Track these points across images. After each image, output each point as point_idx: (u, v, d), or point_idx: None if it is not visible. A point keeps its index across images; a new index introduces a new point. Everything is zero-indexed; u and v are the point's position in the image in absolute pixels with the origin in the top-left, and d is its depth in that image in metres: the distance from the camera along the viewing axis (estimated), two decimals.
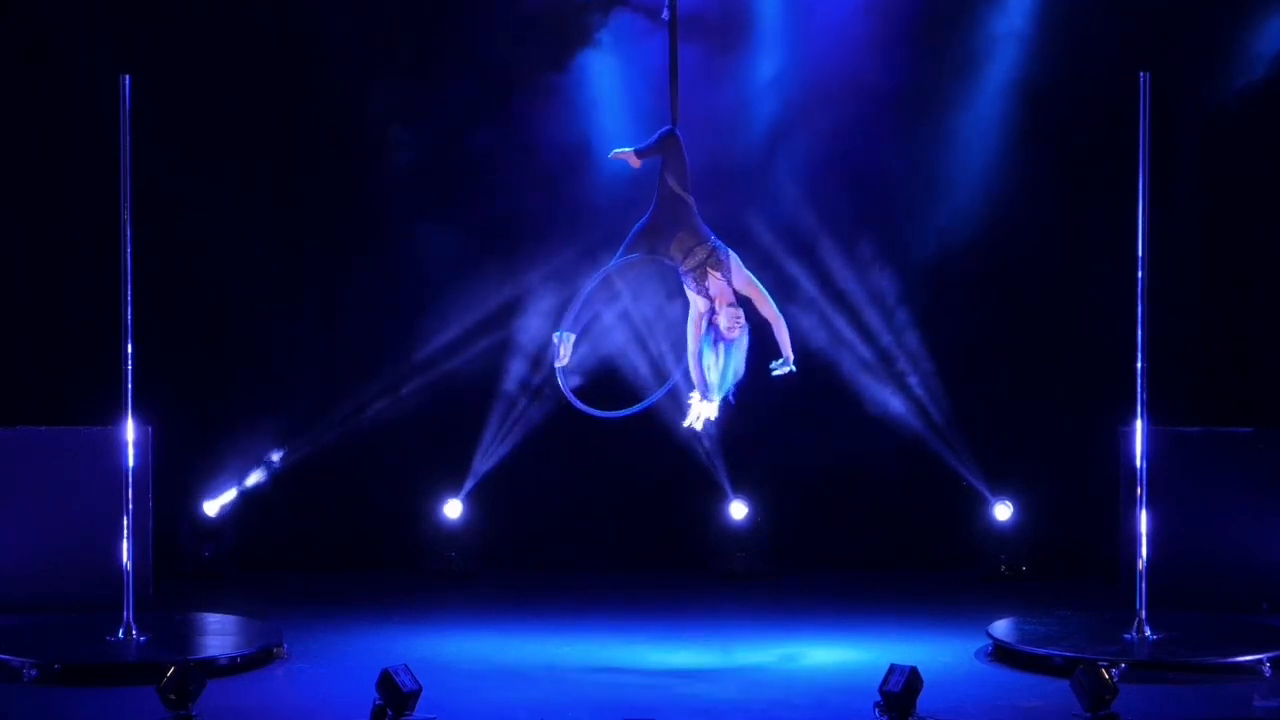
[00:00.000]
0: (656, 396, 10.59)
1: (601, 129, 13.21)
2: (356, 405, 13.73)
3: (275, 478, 13.71)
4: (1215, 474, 12.28)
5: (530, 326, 13.49)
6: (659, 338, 13.37)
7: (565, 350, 9.97)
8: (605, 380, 13.10)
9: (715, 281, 10.03)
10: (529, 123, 13.43)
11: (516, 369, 13.57)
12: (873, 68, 13.31)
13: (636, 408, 10.46)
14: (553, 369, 10.18)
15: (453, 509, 13.66)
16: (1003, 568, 13.48)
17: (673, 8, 10.34)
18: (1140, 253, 10.93)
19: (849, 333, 13.54)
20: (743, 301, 10.08)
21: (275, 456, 13.66)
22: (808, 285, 13.48)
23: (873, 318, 13.56)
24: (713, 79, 13.17)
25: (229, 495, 13.65)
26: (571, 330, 10.00)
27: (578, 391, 10.29)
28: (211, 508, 13.61)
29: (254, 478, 13.69)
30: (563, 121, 13.36)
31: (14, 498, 12.28)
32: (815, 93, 13.37)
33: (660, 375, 13.47)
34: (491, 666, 10.80)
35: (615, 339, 13.38)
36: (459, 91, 13.49)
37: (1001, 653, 10.88)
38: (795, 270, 13.44)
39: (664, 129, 10.23)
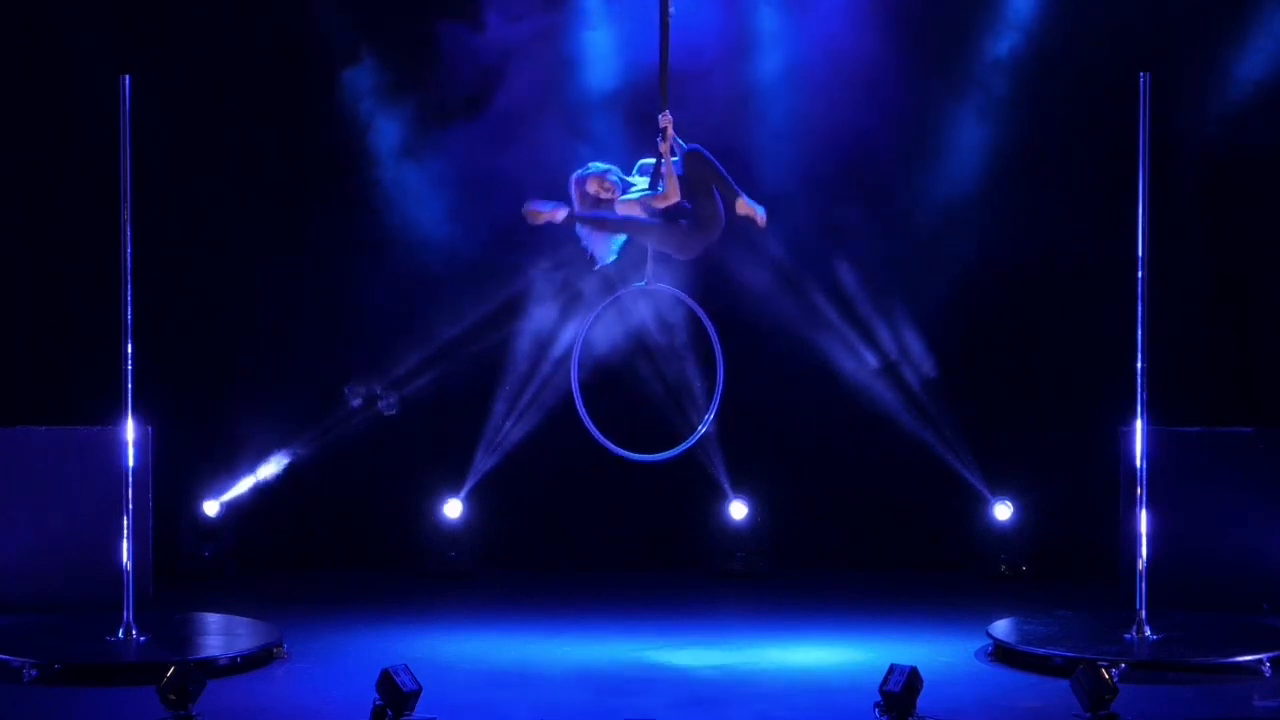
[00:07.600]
0: (691, 441, 10.79)
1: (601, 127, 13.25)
2: (357, 405, 13.72)
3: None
4: (1215, 474, 12.28)
5: (531, 325, 13.48)
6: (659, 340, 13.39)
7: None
8: (609, 384, 13.11)
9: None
10: (529, 117, 13.44)
11: (517, 368, 13.55)
12: (873, 69, 13.31)
13: (671, 452, 10.75)
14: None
15: (453, 509, 13.66)
16: (1003, 568, 13.47)
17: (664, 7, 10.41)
18: (1140, 253, 10.93)
19: (850, 333, 13.54)
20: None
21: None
22: (807, 285, 13.48)
23: (874, 321, 13.57)
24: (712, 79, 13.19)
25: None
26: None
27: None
28: (212, 507, 13.61)
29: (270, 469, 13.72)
30: (561, 117, 13.37)
31: (14, 498, 12.28)
32: (814, 95, 13.37)
33: (661, 378, 13.48)
34: (491, 666, 10.80)
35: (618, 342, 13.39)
36: (457, 88, 13.49)
37: (1001, 653, 10.88)
38: (794, 269, 13.44)
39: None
